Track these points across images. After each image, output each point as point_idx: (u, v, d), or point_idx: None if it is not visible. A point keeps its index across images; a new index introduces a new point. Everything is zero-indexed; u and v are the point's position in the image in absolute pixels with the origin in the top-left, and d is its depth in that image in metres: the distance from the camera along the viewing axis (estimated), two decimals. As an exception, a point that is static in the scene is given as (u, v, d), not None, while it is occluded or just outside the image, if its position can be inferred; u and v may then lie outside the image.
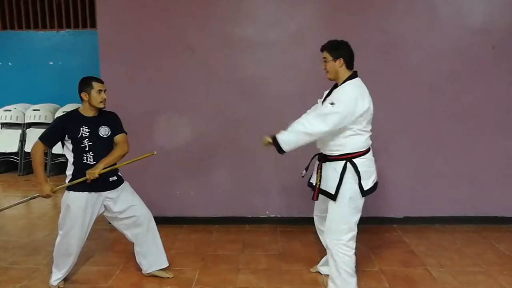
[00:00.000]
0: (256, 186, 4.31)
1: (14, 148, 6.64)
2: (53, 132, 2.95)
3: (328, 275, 2.96)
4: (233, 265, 3.46)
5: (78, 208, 2.93)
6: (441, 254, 3.62)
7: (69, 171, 2.99)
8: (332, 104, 2.63)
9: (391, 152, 4.16)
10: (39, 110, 6.66)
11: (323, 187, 2.83)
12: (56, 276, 3.09)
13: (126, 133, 3.14)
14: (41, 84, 7.20)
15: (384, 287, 3.08)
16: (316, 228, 3.21)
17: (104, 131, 3.01)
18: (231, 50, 4.13)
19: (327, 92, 2.91)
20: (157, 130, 4.23)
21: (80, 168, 2.93)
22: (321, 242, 3.22)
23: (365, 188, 2.72)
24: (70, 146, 2.95)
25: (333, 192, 2.74)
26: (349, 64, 2.76)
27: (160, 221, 4.15)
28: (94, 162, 2.93)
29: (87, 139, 2.92)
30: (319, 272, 3.28)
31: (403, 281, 3.16)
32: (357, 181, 2.70)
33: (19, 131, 6.70)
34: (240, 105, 4.20)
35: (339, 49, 2.74)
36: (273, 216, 4.38)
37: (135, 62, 4.15)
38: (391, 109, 4.04)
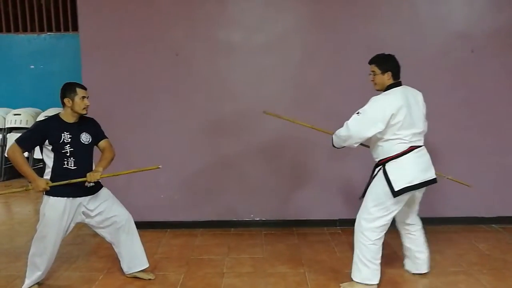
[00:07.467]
0: (241, 189, 4.31)
1: (-6, 154, 6.53)
2: (32, 136, 2.92)
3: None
4: (217, 269, 3.45)
5: (56, 214, 2.92)
6: (423, 255, 3.66)
7: (47, 175, 2.96)
8: (357, 113, 2.88)
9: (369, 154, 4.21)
10: (20, 114, 6.56)
11: None
12: (31, 278, 3.05)
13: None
14: (22, 88, 7.10)
15: (367, 288, 3.11)
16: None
17: (85, 137, 3.02)
18: (215, 54, 4.14)
19: None
20: (141, 134, 4.21)
21: (60, 173, 2.92)
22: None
23: (396, 189, 2.85)
24: (51, 152, 2.93)
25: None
26: (396, 76, 2.97)
27: (144, 225, 4.12)
28: (75, 167, 2.94)
29: (68, 145, 2.91)
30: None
31: (386, 282, 3.19)
32: (386, 182, 2.88)
33: (0, 136, 6.59)
34: (224, 108, 4.21)
35: (387, 63, 2.96)
36: (258, 219, 4.39)
37: (118, 66, 4.13)
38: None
